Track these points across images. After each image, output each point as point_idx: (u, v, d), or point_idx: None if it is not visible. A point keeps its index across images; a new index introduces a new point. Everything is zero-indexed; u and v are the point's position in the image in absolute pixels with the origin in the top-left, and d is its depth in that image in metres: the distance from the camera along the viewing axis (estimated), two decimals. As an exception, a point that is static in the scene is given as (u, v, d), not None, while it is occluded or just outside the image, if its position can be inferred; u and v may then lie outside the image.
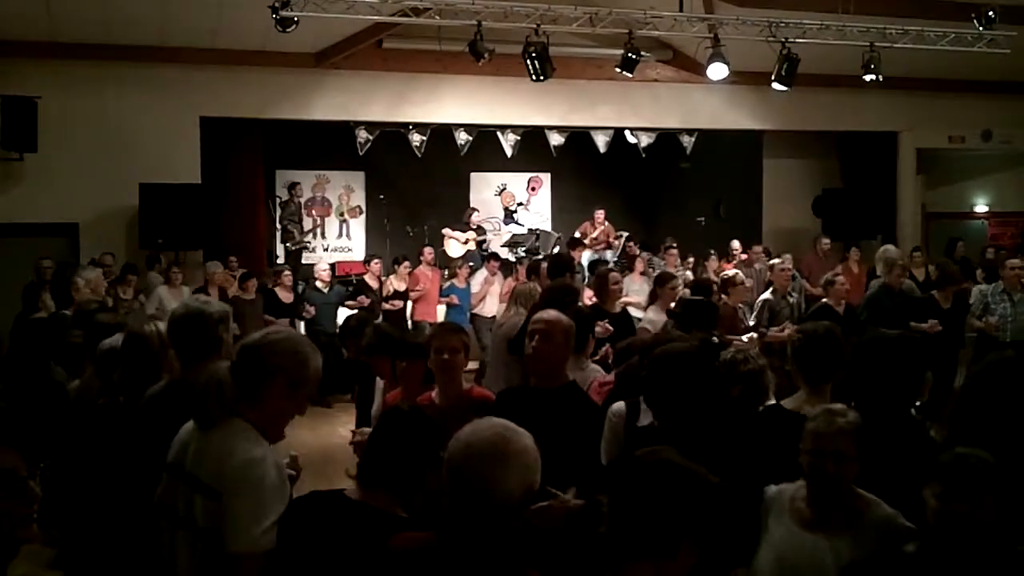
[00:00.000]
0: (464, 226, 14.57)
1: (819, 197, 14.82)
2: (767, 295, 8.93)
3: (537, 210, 17.00)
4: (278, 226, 15.45)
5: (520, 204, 16.68)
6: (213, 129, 12.63)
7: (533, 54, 10.30)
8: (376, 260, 12.36)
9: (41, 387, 4.25)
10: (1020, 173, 16.32)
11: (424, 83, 13.21)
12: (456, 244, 14.31)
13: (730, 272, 8.46)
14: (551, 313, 4.20)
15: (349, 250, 16.09)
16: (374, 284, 12.07)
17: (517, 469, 2.24)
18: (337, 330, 10.79)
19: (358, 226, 16.20)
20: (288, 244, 14.26)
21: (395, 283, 12.05)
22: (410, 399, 4.28)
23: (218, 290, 10.90)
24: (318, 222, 15.94)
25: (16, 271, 10.15)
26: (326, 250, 15.96)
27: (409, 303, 12.14)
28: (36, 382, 4.56)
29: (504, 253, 14.62)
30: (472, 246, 14.27)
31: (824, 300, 8.64)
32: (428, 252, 12.45)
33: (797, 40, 10.89)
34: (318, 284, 11.82)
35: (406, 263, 12.23)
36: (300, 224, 14.28)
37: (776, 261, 9.63)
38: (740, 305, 8.26)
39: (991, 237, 15.96)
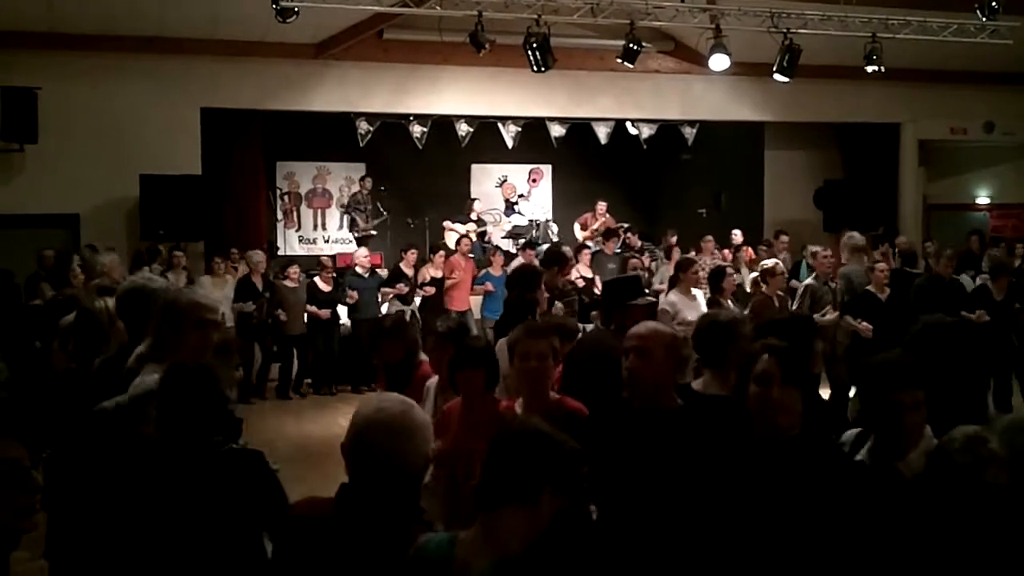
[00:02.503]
0: (465, 218, 14.55)
1: (820, 189, 14.80)
2: (809, 281, 9.02)
3: (538, 202, 16.97)
4: (279, 217, 15.47)
5: (521, 196, 16.65)
6: (213, 120, 12.60)
7: (534, 45, 10.28)
8: (412, 250, 12.38)
9: (41, 375, 4.31)
10: (1022, 165, 16.29)
11: (425, 74, 13.18)
12: (456, 236, 14.27)
13: (769, 262, 8.68)
14: (648, 326, 3.67)
15: (350, 241, 16.06)
16: (409, 272, 12.11)
17: (420, 441, 2.50)
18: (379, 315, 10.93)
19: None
20: (354, 232, 14.22)
21: (431, 271, 12.12)
22: (473, 410, 3.98)
23: (260, 278, 11.12)
24: (319, 214, 15.97)
25: (17, 262, 10.15)
26: (327, 241, 15.95)
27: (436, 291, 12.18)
28: (35, 370, 4.61)
29: (505, 245, 14.63)
30: (473, 237, 14.24)
31: (867, 288, 8.75)
32: (465, 242, 12.52)
33: (799, 31, 10.88)
34: (358, 270, 11.85)
35: (441, 252, 12.37)
36: (366, 213, 14.21)
37: (817, 249, 9.77)
38: (779, 293, 8.40)
39: (993, 229, 15.94)
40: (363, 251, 12.38)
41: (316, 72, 12.88)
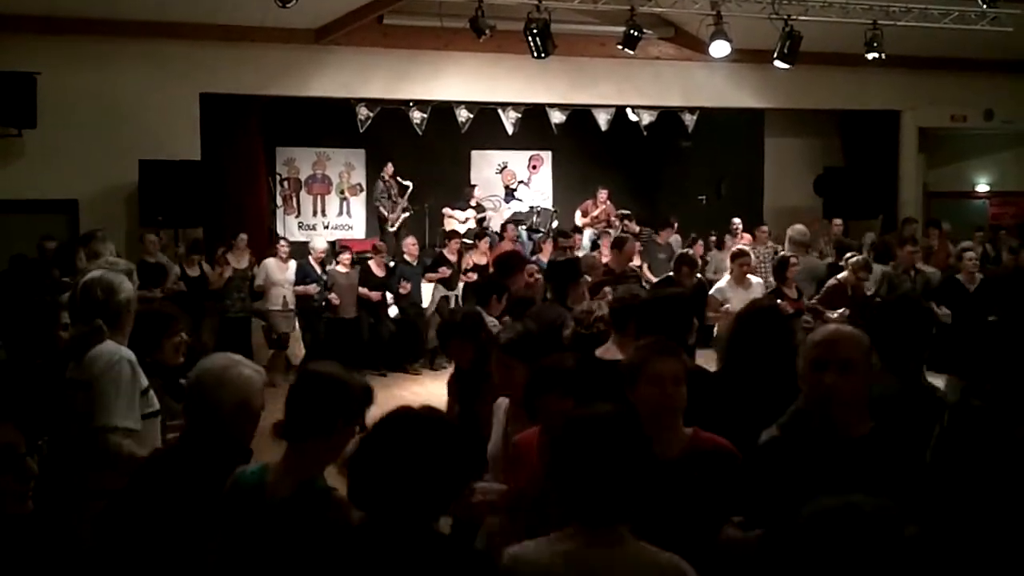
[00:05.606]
0: (465, 204, 14.53)
1: (820, 176, 14.79)
2: (888, 268, 9.11)
3: (538, 188, 16.96)
4: (278, 203, 15.44)
5: (521, 182, 16.64)
6: (213, 105, 12.56)
7: (535, 31, 10.27)
8: (456, 240, 12.47)
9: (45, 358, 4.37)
10: (1022, 153, 16.29)
11: (425, 60, 13.15)
12: (456, 223, 14.27)
13: (855, 255, 8.92)
14: (834, 329, 2.87)
15: (350, 228, 16.07)
16: (453, 258, 12.15)
17: (233, 391, 2.96)
18: (420, 300, 11.71)
19: (358, 204, 16.17)
20: (386, 227, 14.24)
21: (475, 257, 12.13)
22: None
23: (319, 264, 11.52)
24: (318, 200, 15.96)
25: (15, 248, 10.12)
26: (326, 227, 15.94)
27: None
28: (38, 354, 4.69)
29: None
30: (472, 224, 14.25)
31: (956, 276, 8.94)
32: (511, 228, 12.48)
33: (800, 17, 10.88)
34: (406, 258, 11.96)
35: (486, 238, 12.48)
36: (392, 201, 14.15)
37: (907, 243, 10.04)
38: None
39: (992, 217, 15.95)
40: (411, 239, 12.39)
41: (316, 57, 12.84)
